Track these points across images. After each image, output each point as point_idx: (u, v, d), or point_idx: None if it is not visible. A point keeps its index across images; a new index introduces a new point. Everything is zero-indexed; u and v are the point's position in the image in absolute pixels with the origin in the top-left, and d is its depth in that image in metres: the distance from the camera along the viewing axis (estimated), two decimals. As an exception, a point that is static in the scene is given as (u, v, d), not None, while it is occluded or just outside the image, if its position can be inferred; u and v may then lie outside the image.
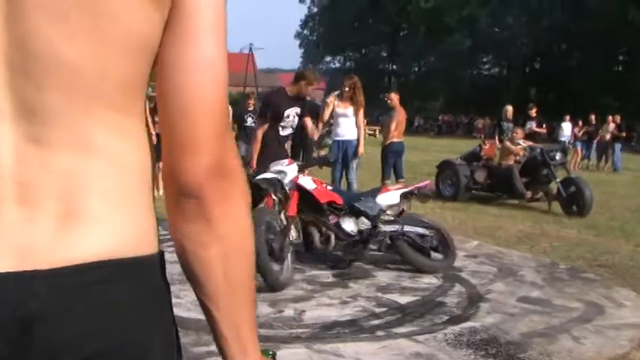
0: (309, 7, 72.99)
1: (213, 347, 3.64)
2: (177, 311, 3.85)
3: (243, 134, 11.66)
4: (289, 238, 5.53)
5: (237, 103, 15.16)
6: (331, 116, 8.95)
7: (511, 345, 4.24)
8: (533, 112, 17.02)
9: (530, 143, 11.79)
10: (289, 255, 5.43)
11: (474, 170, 11.40)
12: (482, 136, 14.16)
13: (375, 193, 6.21)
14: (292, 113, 6.67)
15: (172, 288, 3.93)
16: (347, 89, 8.88)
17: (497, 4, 51.60)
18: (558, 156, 10.53)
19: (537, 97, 49.02)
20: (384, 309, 4.92)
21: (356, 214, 5.85)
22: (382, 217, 5.94)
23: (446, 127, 43.88)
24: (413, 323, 4.63)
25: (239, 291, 0.88)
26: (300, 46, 74.03)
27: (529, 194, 10.67)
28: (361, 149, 8.76)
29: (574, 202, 9.92)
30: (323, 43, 69.56)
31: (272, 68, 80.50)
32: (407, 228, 5.91)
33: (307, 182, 5.70)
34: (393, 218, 6.06)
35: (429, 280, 5.74)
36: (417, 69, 66.23)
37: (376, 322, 4.65)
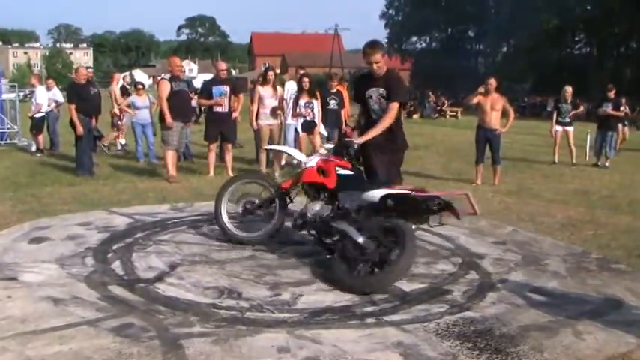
0: (394, -13, 71.78)
1: (195, 329, 3.57)
2: (175, 291, 3.80)
3: (326, 117, 11.43)
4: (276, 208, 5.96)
5: (323, 84, 14.76)
6: None
7: (504, 338, 4.00)
8: (611, 94, 16.07)
9: None
10: (269, 224, 5.96)
11: None
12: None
13: (373, 187, 5.40)
14: (375, 94, 6.01)
15: (178, 269, 3.90)
16: None
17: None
18: None
19: (633, 77, 46.51)
20: (385, 295, 4.74)
21: (329, 201, 5.50)
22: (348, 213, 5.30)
23: (530, 109, 42.32)
24: (409, 311, 4.45)
25: None
26: (386, 26, 72.93)
27: None
28: None
29: None
30: (408, 24, 68.32)
31: (359, 49, 79.51)
32: (345, 229, 5.12)
33: (310, 160, 5.76)
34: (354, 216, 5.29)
35: (444, 267, 5.53)
36: (504, 49, 64.10)
37: (370, 308, 4.50)
